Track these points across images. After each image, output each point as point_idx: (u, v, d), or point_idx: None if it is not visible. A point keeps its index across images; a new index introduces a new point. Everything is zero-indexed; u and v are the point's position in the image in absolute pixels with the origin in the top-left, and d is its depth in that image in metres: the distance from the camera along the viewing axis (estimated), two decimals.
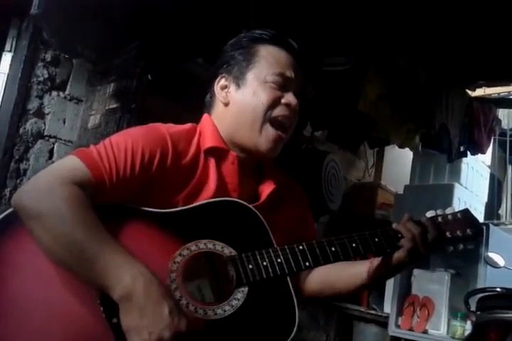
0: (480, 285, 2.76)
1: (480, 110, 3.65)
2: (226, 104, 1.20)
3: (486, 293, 1.92)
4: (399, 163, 4.78)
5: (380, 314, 3.44)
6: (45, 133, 2.46)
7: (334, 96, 3.04)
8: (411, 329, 3.04)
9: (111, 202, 1.03)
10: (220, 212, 1.09)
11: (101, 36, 2.39)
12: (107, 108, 2.42)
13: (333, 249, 1.09)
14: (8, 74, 2.35)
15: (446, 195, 3.76)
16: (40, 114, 2.43)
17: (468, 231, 1.18)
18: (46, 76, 2.44)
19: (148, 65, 2.40)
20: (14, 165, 2.32)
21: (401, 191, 4.06)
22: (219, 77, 1.22)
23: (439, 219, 1.18)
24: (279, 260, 1.04)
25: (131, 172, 1.04)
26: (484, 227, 2.76)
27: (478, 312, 1.87)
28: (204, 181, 1.13)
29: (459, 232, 1.17)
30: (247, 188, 1.20)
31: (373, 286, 1.14)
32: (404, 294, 3.19)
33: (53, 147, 2.50)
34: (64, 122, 2.55)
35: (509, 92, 4.49)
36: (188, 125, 1.20)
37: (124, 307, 0.90)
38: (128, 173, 1.04)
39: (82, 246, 0.93)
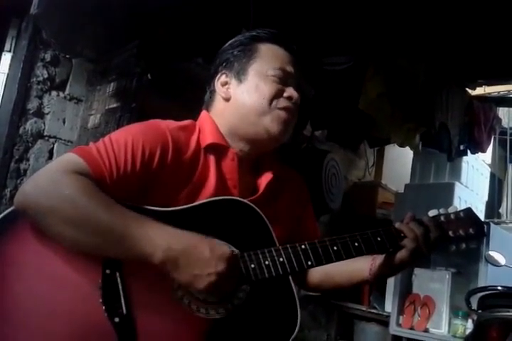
0: (481, 283, 2.76)
1: (480, 109, 3.65)
2: (227, 99, 1.21)
3: (487, 292, 1.92)
4: (399, 162, 4.78)
5: (381, 313, 3.43)
6: (45, 133, 2.46)
7: (334, 95, 3.03)
8: (412, 328, 3.04)
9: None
10: (222, 211, 1.08)
11: (100, 36, 2.39)
12: (106, 108, 2.42)
13: (335, 248, 1.08)
14: (7, 74, 2.34)
15: (446, 193, 3.75)
16: (39, 113, 2.43)
17: (471, 230, 1.17)
18: (46, 76, 2.44)
19: (148, 64, 2.39)
20: (14, 165, 2.32)
21: (401, 190, 4.06)
22: (219, 74, 1.22)
23: (442, 218, 1.18)
24: (281, 259, 1.04)
25: (132, 169, 1.04)
26: (485, 226, 2.76)
27: (480, 311, 1.87)
28: (205, 178, 1.13)
29: (461, 231, 1.17)
30: (246, 183, 1.20)
31: (374, 283, 1.14)
32: (405, 293, 3.19)
33: (53, 147, 2.49)
34: (64, 122, 2.54)
35: (509, 91, 4.50)
36: (187, 121, 1.20)
37: (172, 268, 0.93)
38: (128, 170, 1.03)
39: (108, 226, 0.94)
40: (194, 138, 1.16)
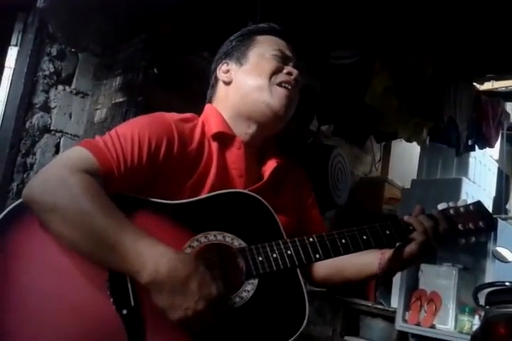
0: (488, 279, 2.75)
1: (488, 104, 3.63)
2: (229, 83, 1.23)
3: (495, 288, 1.91)
4: (406, 158, 4.76)
5: (387, 309, 3.43)
6: (52, 128, 2.46)
7: (341, 89, 3.02)
8: (418, 324, 3.04)
9: (119, 193, 1.02)
10: (229, 204, 1.08)
11: (107, 30, 2.39)
12: (113, 102, 2.42)
13: (343, 241, 1.08)
14: (14, 69, 2.34)
15: (453, 189, 3.73)
16: (46, 108, 2.43)
17: (480, 223, 1.16)
18: (52, 70, 2.44)
19: (154, 58, 2.39)
20: (21, 159, 2.33)
21: (408, 185, 4.04)
22: (220, 64, 1.26)
23: (451, 211, 1.17)
24: (289, 252, 1.03)
25: (139, 161, 1.04)
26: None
27: (487, 307, 1.86)
28: (208, 169, 1.13)
29: (471, 225, 1.16)
30: (252, 172, 1.20)
31: (382, 278, 1.15)
32: (412, 289, 3.18)
33: (59, 141, 2.50)
34: (70, 116, 2.55)
35: None
36: (189, 114, 1.21)
37: (155, 290, 0.92)
38: (136, 162, 1.03)
39: (104, 234, 0.93)
40: (198, 129, 1.16)
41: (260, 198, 1.09)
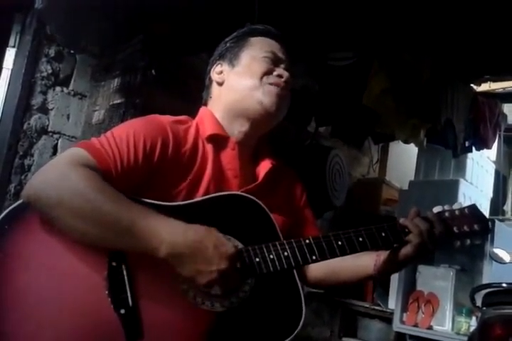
0: (485, 281, 2.75)
1: (485, 105, 3.63)
2: (221, 84, 1.26)
3: (492, 289, 1.91)
4: (404, 159, 4.77)
5: (384, 310, 3.43)
6: (49, 129, 2.46)
7: (338, 91, 3.02)
8: (416, 325, 3.04)
9: None
10: (226, 206, 1.09)
11: (105, 31, 2.39)
12: (111, 103, 2.42)
13: (339, 243, 1.08)
14: (12, 70, 2.34)
15: (451, 190, 3.74)
16: (44, 109, 2.43)
17: (475, 226, 1.17)
18: (50, 71, 2.44)
19: (152, 59, 2.39)
20: (18, 160, 2.33)
21: (406, 187, 4.05)
22: (214, 66, 1.28)
23: (446, 214, 1.17)
24: (285, 253, 1.04)
25: (135, 162, 1.05)
26: (489, 222, 2.75)
27: (484, 308, 1.87)
28: (203, 170, 1.14)
29: (466, 228, 1.16)
30: (246, 173, 1.22)
31: (378, 280, 1.15)
32: (409, 290, 3.18)
33: (57, 143, 2.50)
34: (68, 118, 2.55)
35: None
36: (183, 116, 1.22)
37: (176, 262, 0.94)
38: (131, 163, 1.04)
39: (115, 218, 0.94)
40: (192, 131, 1.18)
41: (256, 199, 1.10)
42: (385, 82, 2.85)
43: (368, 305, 3.55)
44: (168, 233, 0.94)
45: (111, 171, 1.02)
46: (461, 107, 3.32)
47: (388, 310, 3.37)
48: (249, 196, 1.10)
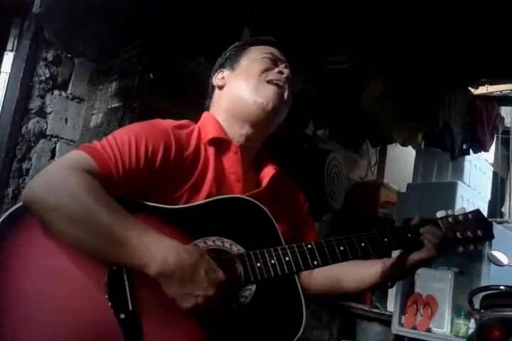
0: (483, 283, 2.75)
1: (483, 108, 3.64)
2: (222, 87, 1.27)
3: (490, 291, 1.92)
4: (401, 161, 4.77)
5: (383, 312, 3.43)
6: (47, 133, 2.46)
7: (336, 94, 3.03)
8: (414, 328, 3.04)
9: (117, 197, 1.02)
10: (228, 209, 1.09)
11: (102, 35, 2.39)
12: (109, 107, 2.42)
13: (341, 248, 1.08)
14: (9, 74, 2.33)
15: (449, 193, 3.75)
16: (42, 113, 2.43)
17: (479, 232, 1.17)
18: (48, 75, 2.44)
19: (150, 63, 2.39)
20: (16, 164, 2.32)
21: (404, 189, 4.05)
22: (216, 73, 1.30)
23: (450, 219, 1.17)
24: (287, 258, 1.04)
25: (136, 166, 1.05)
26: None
27: (482, 311, 1.87)
28: (205, 173, 1.14)
29: (469, 233, 1.16)
30: (249, 177, 1.22)
31: (385, 286, 1.15)
32: (408, 292, 3.18)
33: (55, 146, 2.49)
34: (66, 121, 2.54)
35: None
36: (184, 121, 1.22)
37: (164, 281, 0.93)
38: (133, 167, 1.04)
39: (109, 230, 0.94)
40: (194, 135, 1.18)
41: (259, 204, 1.10)
42: (382, 86, 2.85)
43: (366, 308, 3.55)
44: (160, 252, 0.93)
45: (112, 174, 1.02)
46: (459, 110, 3.33)
47: (387, 313, 3.37)
48: (251, 199, 1.10)
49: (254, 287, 1.03)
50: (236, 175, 1.18)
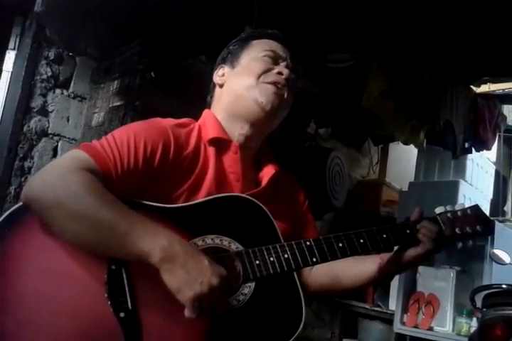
0: (485, 282, 2.75)
1: (485, 106, 3.63)
2: (222, 85, 1.26)
3: (492, 290, 1.91)
4: (403, 160, 4.77)
5: (385, 311, 3.43)
6: (49, 131, 2.46)
7: (338, 92, 3.03)
8: (416, 327, 3.04)
9: (116, 196, 1.02)
10: (226, 207, 1.09)
11: (104, 34, 2.39)
12: (110, 105, 2.42)
13: (340, 244, 1.08)
14: (11, 72, 2.34)
15: (451, 191, 3.74)
16: (43, 112, 2.43)
17: (478, 227, 1.17)
18: (49, 74, 2.44)
19: (151, 62, 2.39)
20: (18, 163, 2.32)
21: (406, 188, 4.05)
22: (217, 69, 1.29)
23: (449, 215, 1.17)
24: (286, 256, 1.04)
25: (135, 165, 1.05)
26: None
27: (484, 309, 1.86)
28: (205, 173, 1.14)
29: (468, 229, 1.16)
30: (249, 177, 1.22)
31: (382, 281, 1.15)
32: (410, 291, 3.18)
33: (57, 145, 2.50)
34: (68, 120, 2.55)
35: None
36: (185, 119, 1.22)
37: (168, 268, 0.92)
38: (132, 166, 1.04)
39: (112, 222, 0.94)
40: (194, 134, 1.18)
41: (258, 202, 1.10)
42: (384, 84, 2.85)
43: (368, 307, 3.55)
44: (164, 238, 0.94)
45: (111, 174, 1.02)
46: (461, 108, 3.32)
47: (389, 311, 3.37)
48: (249, 198, 1.10)
49: (253, 285, 1.03)
50: (235, 175, 1.18)
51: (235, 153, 1.20)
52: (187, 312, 0.92)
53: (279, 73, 1.21)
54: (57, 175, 0.98)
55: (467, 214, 1.18)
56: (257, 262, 1.02)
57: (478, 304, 1.91)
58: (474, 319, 2.83)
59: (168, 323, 0.97)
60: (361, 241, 1.10)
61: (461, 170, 4.06)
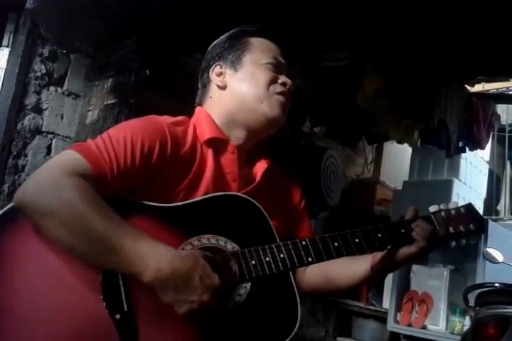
0: (479, 280, 2.76)
1: (479, 106, 3.64)
2: (224, 88, 1.23)
3: (485, 289, 1.92)
4: (398, 159, 4.78)
5: (379, 310, 3.44)
6: (43, 129, 2.45)
7: (333, 91, 3.03)
8: (410, 325, 3.05)
9: (112, 196, 1.02)
10: (222, 207, 1.08)
11: (98, 31, 2.38)
12: (105, 103, 2.41)
13: (335, 244, 1.08)
14: (5, 70, 2.33)
15: (444, 190, 3.75)
16: (37, 109, 2.42)
17: (471, 226, 1.17)
18: (44, 71, 2.43)
19: (146, 59, 2.39)
20: (12, 161, 2.31)
21: (400, 187, 4.06)
22: (213, 66, 1.24)
23: (443, 213, 1.18)
24: (281, 255, 1.04)
25: (132, 164, 1.03)
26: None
27: (477, 308, 1.87)
28: (202, 172, 1.13)
29: (462, 227, 1.17)
30: (244, 175, 1.21)
31: (375, 280, 1.15)
32: (403, 290, 3.19)
33: (51, 143, 2.49)
34: (62, 118, 2.54)
35: (508, 88, 4.50)
36: (181, 117, 1.20)
37: (159, 288, 0.93)
38: (128, 165, 1.03)
39: (103, 237, 0.93)
40: (190, 132, 1.16)
41: (253, 201, 1.09)
42: (378, 83, 2.85)
43: (362, 305, 3.56)
44: (154, 260, 0.92)
45: (106, 175, 1.00)
46: (455, 108, 3.33)
47: (382, 310, 3.38)
48: (244, 196, 1.10)
49: (249, 285, 1.03)
50: (232, 175, 1.17)
51: (232, 153, 1.19)
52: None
53: (283, 84, 1.21)
54: (50, 181, 0.96)
55: (461, 212, 1.19)
56: (253, 262, 1.02)
57: (472, 302, 1.93)
58: (467, 317, 2.84)
59: (163, 325, 0.97)
60: (356, 240, 1.10)
61: (455, 169, 4.07)
